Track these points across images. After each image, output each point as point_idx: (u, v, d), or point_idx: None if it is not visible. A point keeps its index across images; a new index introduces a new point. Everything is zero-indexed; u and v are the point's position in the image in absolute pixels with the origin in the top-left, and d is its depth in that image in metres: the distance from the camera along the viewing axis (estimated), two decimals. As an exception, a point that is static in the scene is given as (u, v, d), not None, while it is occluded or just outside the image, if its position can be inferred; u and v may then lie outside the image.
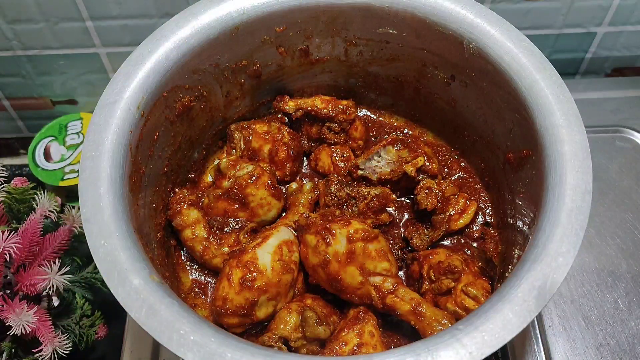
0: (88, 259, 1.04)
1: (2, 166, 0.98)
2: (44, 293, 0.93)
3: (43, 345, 0.88)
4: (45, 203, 0.94)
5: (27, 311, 0.86)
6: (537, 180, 0.79)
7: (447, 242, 0.96)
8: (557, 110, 0.78)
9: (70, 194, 1.23)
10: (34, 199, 0.95)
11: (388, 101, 1.08)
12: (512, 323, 0.64)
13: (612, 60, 1.36)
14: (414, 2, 0.89)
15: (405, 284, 0.88)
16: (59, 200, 1.00)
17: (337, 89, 1.07)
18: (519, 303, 0.66)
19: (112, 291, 0.68)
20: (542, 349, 0.98)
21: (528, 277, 0.67)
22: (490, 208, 0.99)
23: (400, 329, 0.85)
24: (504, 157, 0.91)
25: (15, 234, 0.89)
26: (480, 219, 0.98)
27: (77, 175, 1.19)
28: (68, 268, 0.92)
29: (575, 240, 0.69)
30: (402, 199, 1.00)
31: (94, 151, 0.77)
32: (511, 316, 0.65)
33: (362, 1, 0.91)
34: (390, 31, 0.94)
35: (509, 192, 0.91)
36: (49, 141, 1.27)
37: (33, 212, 0.93)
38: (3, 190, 0.97)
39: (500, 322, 0.64)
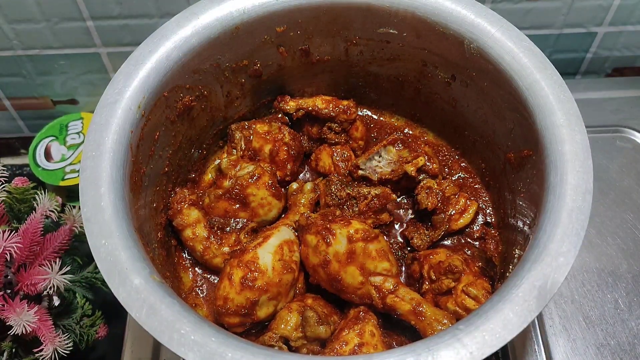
0: (89, 259, 1.04)
1: (2, 166, 0.98)
2: (45, 293, 0.93)
3: (44, 345, 0.88)
4: (46, 203, 0.94)
5: (27, 311, 0.86)
6: (538, 180, 0.79)
7: (447, 242, 0.96)
8: (558, 110, 0.78)
9: (70, 194, 1.23)
10: (34, 199, 0.95)
11: (388, 101, 1.08)
12: (512, 323, 0.64)
13: (612, 60, 1.36)
14: (415, 2, 0.89)
15: (405, 283, 0.88)
16: (60, 200, 1.00)
17: (338, 89, 1.07)
18: (520, 303, 0.65)
19: (112, 291, 0.68)
20: (542, 349, 0.98)
21: (529, 277, 0.67)
22: (490, 208, 0.99)
23: (401, 329, 0.85)
24: (505, 157, 0.91)
25: (16, 233, 0.89)
26: (480, 218, 0.98)
27: (78, 175, 1.19)
28: (69, 268, 0.92)
29: (576, 240, 0.69)
30: (402, 199, 1.00)
31: (95, 151, 0.77)
32: (512, 316, 0.65)
33: (362, 1, 0.91)
34: (391, 31, 0.94)
35: (509, 192, 0.91)
36: (50, 141, 1.27)
37: (34, 211, 0.93)
38: (4, 190, 0.97)
39: (501, 322, 0.64)
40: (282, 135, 0.99)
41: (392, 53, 0.98)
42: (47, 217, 0.95)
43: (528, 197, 0.84)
